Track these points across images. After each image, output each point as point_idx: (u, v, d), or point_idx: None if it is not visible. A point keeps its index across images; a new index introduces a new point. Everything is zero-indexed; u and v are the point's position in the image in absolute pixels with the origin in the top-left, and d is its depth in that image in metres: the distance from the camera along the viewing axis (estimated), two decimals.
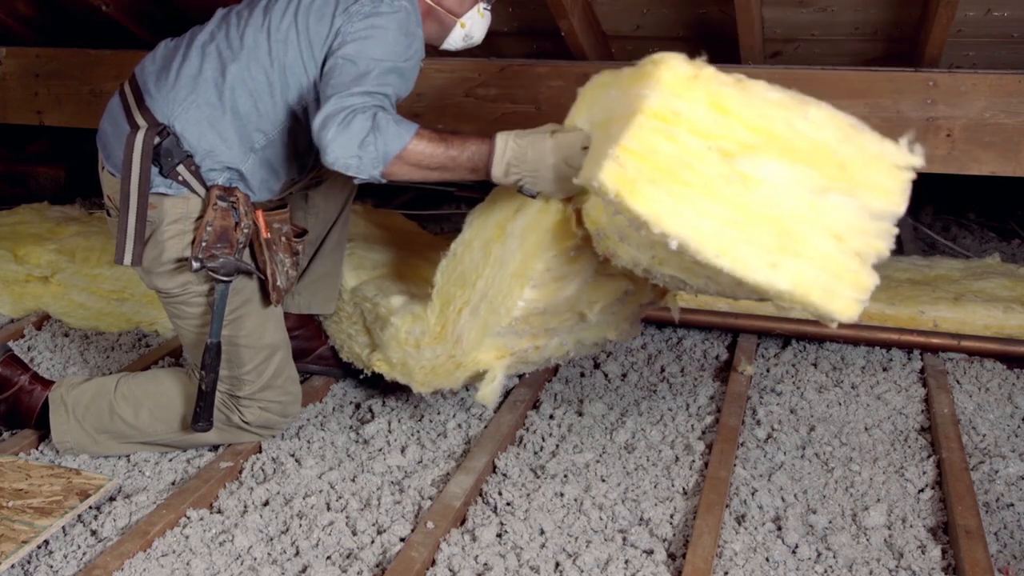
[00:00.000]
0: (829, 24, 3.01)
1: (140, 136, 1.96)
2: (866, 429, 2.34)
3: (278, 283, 2.07)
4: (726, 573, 1.80)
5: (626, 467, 2.17)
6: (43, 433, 2.22)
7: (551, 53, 3.23)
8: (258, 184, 2.06)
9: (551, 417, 2.41)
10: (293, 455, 2.19)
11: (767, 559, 1.84)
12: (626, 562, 1.82)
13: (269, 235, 2.04)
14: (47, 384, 2.20)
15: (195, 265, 1.95)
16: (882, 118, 2.98)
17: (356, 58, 1.91)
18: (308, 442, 2.25)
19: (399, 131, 1.83)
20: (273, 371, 2.13)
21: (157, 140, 1.96)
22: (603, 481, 2.10)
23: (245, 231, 2.00)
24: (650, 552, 1.86)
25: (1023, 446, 2.26)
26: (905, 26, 2.95)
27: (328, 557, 1.83)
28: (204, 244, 1.96)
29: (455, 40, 2.17)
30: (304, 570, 1.79)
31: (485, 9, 2.17)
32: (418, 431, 2.32)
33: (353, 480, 2.10)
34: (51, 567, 1.80)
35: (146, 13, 3.60)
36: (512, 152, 1.88)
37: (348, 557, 1.83)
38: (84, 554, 1.84)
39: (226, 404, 2.13)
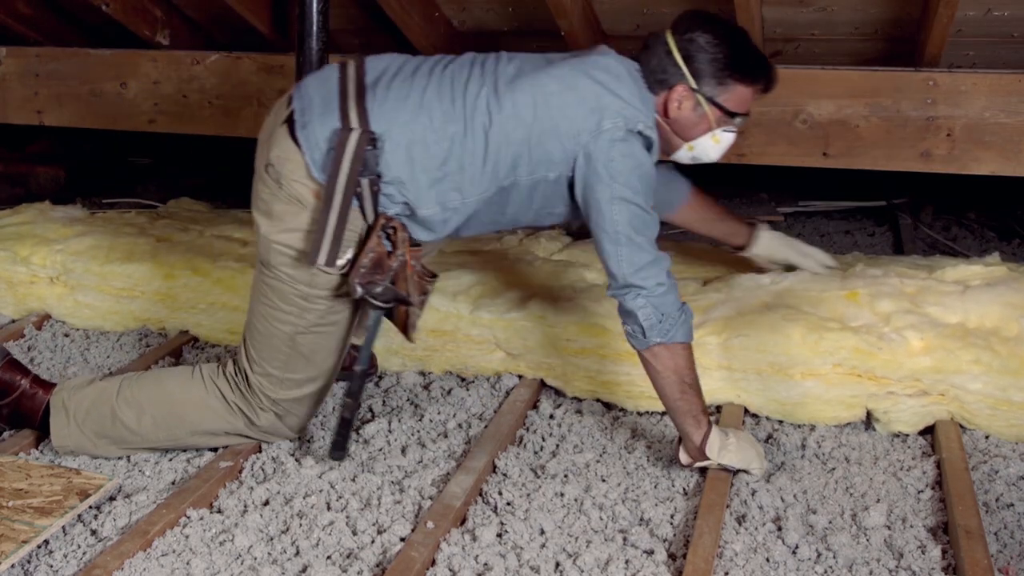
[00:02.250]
0: (829, 24, 3.01)
1: (354, 139, 1.94)
2: (866, 429, 2.34)
3: (416, 320, 2.07)
4: (726, 573, 1.80)
5: (626, 467, 2.16)
6: (44, 434, 2.21)
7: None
8: (422, 229, 2.05)
9: (551, 417, 2.41)
10: (293, 455, 2.19)
11: (767, 559, 1.84)
12: (626, 562, 1.82)
13: (412, 271, 2.04)
14: (49, 387, 2.20)
15: (358, 291, 1.95)
16: (882, 118, 2.98)
17: None
18: (308, 442, 2.25)
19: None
20: (312, 391, 2.14)
21: (366, 147, 1.94)
22: (603, 481, 2.10)
23: (400, 260, 2.00)
24: (650, 552, 1.86)
25: (1023, 446, 2.26)
26: (905, 26, 2.95)
27: (328, 557, 1.83)
28: (363, 271, 1.96)
29: (681, 156, 2.18)
30: (304, 570, 1.79)
31: (725, 132, 2.12)
32: (418, 431, 2.32)
33: (353, 480, 2.10)
34: (51, 567, 1.80)
35: (147, 13, 3.60)
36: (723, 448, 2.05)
37: (348, 557, 1.83)
38: (84, 554, 1.84)
39: (246, 400, 2.12)
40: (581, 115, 1.98)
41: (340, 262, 1.98)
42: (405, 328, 2.07)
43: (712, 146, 2.15)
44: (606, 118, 1.98)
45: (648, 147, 2.04)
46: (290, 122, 2.01)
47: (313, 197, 1.99)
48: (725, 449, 2.04)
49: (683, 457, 2.09)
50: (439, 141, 1.97)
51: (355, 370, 2.04)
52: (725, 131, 2.12)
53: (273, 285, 2.04)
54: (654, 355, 2.01)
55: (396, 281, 2.01)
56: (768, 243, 2.61)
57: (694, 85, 2.05)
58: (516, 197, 2.06)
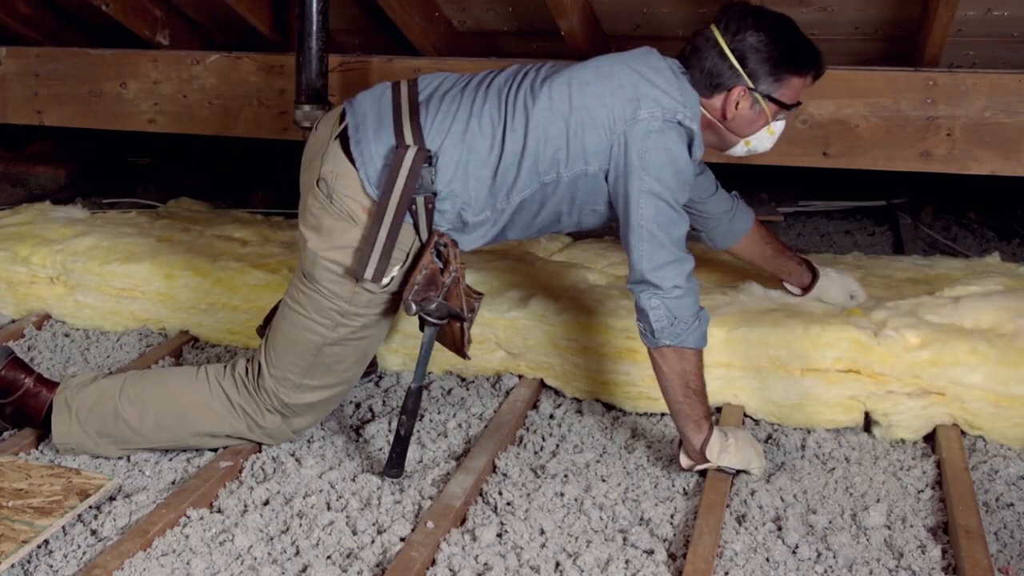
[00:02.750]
0: (829, 24, 3.01)
1: (410, 156, 1.94)
2: (866, 429, 2.34)
3: (468, 335, 2.07)
4: (726, 573, 1.80)
5: (626, 467, 2.16)
6: (45, 433, 2.21)
7: (551, 53, 3.23)
8: (472, 239, 2.06)
9: (551, 417, 2.41)
10: (293, 455, 2.19)
11: (767, 559, 1.84)
12: (626, 562, 1.82)
13: (463, 286, 2.04)
14: (52, 386, 2.20)
15: (412, 308, 1.96)
16: (882, 118, 2.98)
17: None
18: (308, 442, 2.25)
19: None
20: (325, 398, 2.14)
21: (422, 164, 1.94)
22: (603, 481, 2.10)
23: (452, 276, 2.00)
24: (650, 552, 1.86)
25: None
26: (905, 26, 2.95)
27: (328, 557, 1.83)
28: (416, 288, 1.96)
29: (737, 151, 2.17)
30: (304, 570, 1.79)
31: (779, 121, 2.11)
32: (418, 431, 2.32)
33: (353, 480, 2.10)
34: (51, 567, 1.80)
35: (146, 13, 3.61)
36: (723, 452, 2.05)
37: (348, 557, 1.83)
38: (84, 554, 1.84)
39: (254, 401, 2.12)
40: (618, 103, 1.96)
41: (386, 280, 1.98)
42: (459, 345, 2.07)
43: (768, 137, 2.14)
44: (643, 107, 1.95)
45: (689, 140, 2.00)
46: (343, 138, 2.01)
47: (365, 214, 1.99)
48: (725, 451, 2.04)
49: (683, 460, 2.09)
50: (491, 148, 1.98)
51: (411, 387, 2.03)
52: (778, 120, 2.12)
53: (311, 296, 2.04)
54: (662, 355, 2.01)
55: (448, 297, 2.00)
56: (828, 288, 2.55)
57: (751, 85, 2.02)
58: (559, 194, 2.04)
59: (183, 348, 2.77)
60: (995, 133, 2.91)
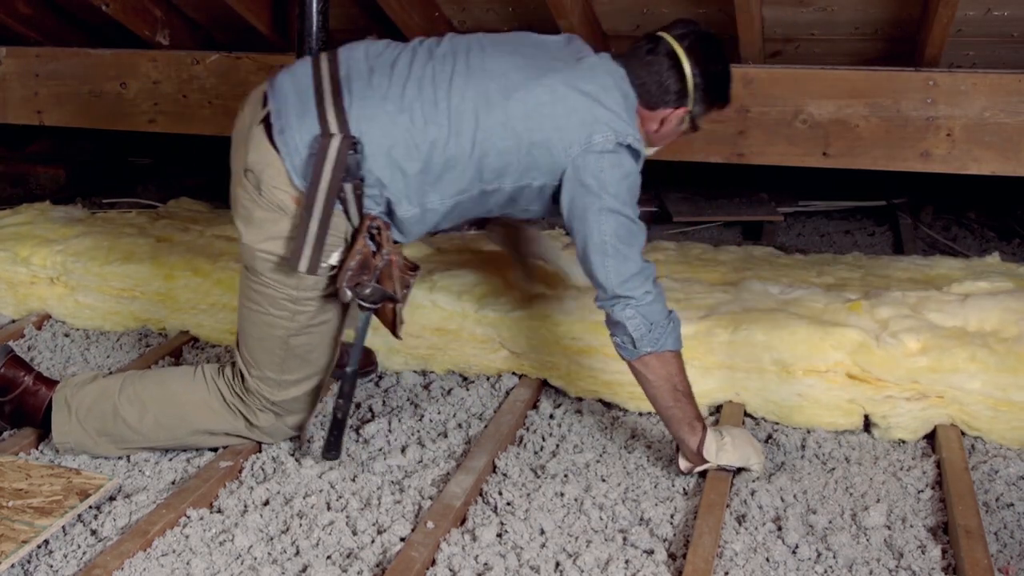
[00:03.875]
0: (829, 24, 3.01)
1: (335, 146, 1.92)
2: (865, 429, 2.34)
3: (402, 316, 2.07)
4: (726, 573, 1.80)
5: (626, 467, 2.16)
6: (44, 433, 2.21)
7: None
8: (402, 233, 2.06)
9: (551, 417, 2.41)
10: (293, 455, 2.19)
11: (767, 559, 1.84)
12: (626, 562, 1.82)
13: (396, 268, 2.04)
14: (51, 384, 2.20)
15: (348, 295, 1.96)
16: (882, 118, 2.99)
17: None
18: (308, 442, 2.25)
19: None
20: (309, 389, 2.14)
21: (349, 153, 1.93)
22: (603, 481, 2.10)
23: (385, 258, 2.00)
24: (650, 552, 1.86)
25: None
26: (905, 26, 2.95)
27: (328, 557, 1.83)
28: (350, 273, 1.96)
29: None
30: (304, 570, 1.79)
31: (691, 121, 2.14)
32: (418, 431, 2.32)
33: (353, 480, 2.10)
34: (51, 567, 1.80)
35: (147, 13, 3.60)
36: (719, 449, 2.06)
37: (348, 557, 1.83)
38: (84, 554, 1.84)
39: (244, 403, 2.12)
40: (573, 126, 1.98)
41: (325, 265, 1.97)
42: (392, 325, 2.07)
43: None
44: (596, 131, 1.98)
45: (636, 158, 2.04)
46: (266, 123, 1.99)
47: (294, 204, 1.97)
48: (722, 450, 2.05)
49: (682, 464, 2.09)
50: (420, 144, 1.96)
51: (346, 371, 2.04)
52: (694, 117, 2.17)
53: (261, 291, 2.04)
54: (645, 364, 2.02)
55: (382, 279, 2.01)
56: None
57: (690, 109, 2.08)
58: (497, 199, 2.07)
59: (183, 348, 2.77)
60: (995, 133, 2.91)
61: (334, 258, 1.98)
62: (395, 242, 2.06)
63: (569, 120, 1.98)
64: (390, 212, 2.02)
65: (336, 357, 2.17)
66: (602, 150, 1.97)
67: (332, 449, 2.08)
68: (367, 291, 1.97)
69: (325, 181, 1.92)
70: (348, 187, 1.94)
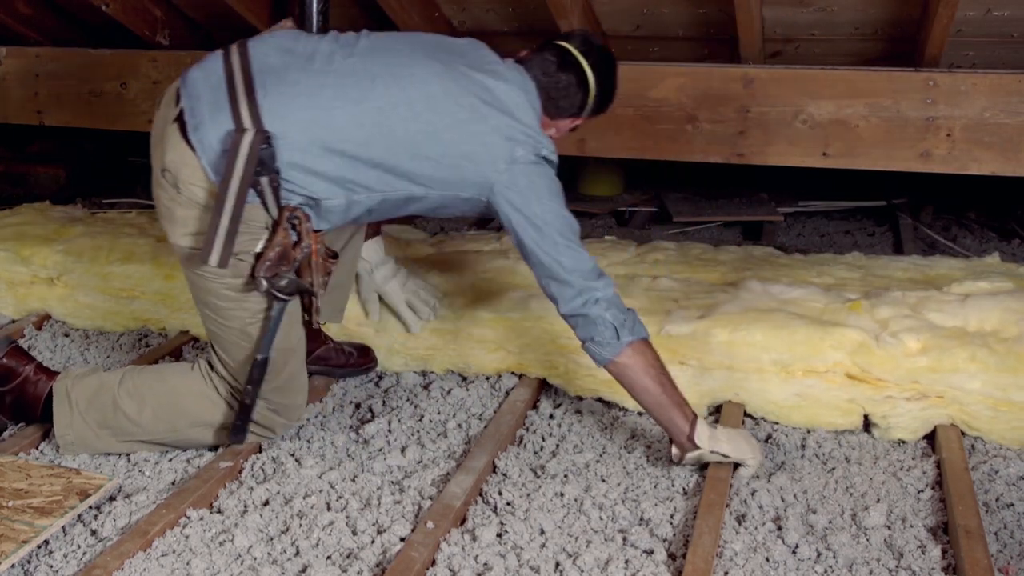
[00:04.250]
0: (829, 24, 3.02)
1: (247, 142, 1.91)
2: (865, 429, 2.34)
3: (318, 304, 2.09)
4: (726, 573, 1.80)
5: (626, 467, 2.17)
6: (44, 431, 2.22)
7: None
8: (325, 221, 2.06)
9: (551, 417, 2.41)
10: (293, 455, 2.19)
11: (767, 559, 1.84)
12: (626, 562, 1.82)
13: (317, 258, 2.04)
14: (52, 375, 2.20)
15: (263, 285, 1.97)
16: (882, 118, 2.99)
17: None
18: (308, 442, 2.25)
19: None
20: (288, 373, 2.13)
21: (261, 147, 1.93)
22: (603, 481, 2.10)
23: (305, 250, 2.00)
24: (650, 552, 1.86)
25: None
26: (905, 26, 2.95)
27: (328, 557, 1.83)
28: (268, 264, 1.97)
29: None
30: (304, 570, 1.80)
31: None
32: (418, 431, 2.32)
33: (353, 480, 2.10)
34: (51, 567, 1.80)
35: (147, 13, 3.61)
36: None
37: (348, 557, 1.84)
38: (84, 554, 1.84)
39: (237, 400, 2.13)
40: (497, 143, 2.02)
41: (248, 258, 1.99)
42: (309, 313, 2.10)
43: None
44: (519, 147, 2.03)
45: (552, 166, 2.10)
46: (180, 121, 1.98)
47: (213, 199, 1.97)
48: (715, 439, 2.06)
49: (674, 452, 2.10)
50: (343, 141, 1.97)
51: (256, 359, 2.04)
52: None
53: (205, 287, 2.05)
54: (626, 358, 2.04)
55: (301, 270, 2.02)
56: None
57: (583, 117, 2.21)
58: (426, 204, 2.10)
59: (183, 348, 2.78)
60: (995, 133, 2.91)
61: (259, 247, 2.00)
62: (317, 231, 2.06)
63: (493, 137, 2.03)
64: (316, 202, 2.02)
65: (304, 335, 2.16)
66: (526, 162, 2.03)
67: (238, 433, 2.11)
68: (283, 282, 1.99)
69: (237, 176, 1.92)
70: (265, 180, 1.95)
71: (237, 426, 2.11)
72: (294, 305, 2.08)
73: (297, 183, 1.98)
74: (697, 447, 2.05)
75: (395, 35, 2.15)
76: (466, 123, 2.02)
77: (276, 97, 1.96)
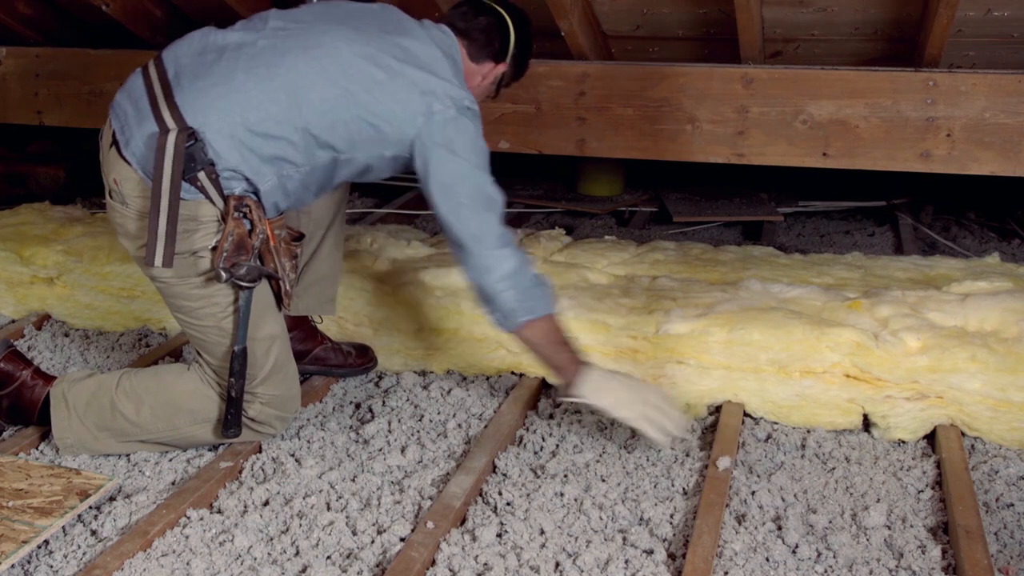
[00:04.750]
0: (829, 24, 3.02)
1: (172, 141, 1.94)
2: (865, 429, 2.34)
3: (287, 287, 2.09)
4: (726, 573, 1.80)
5: (626, 467, 2.17)
6: (44, 432, 2.22)
7: (551, 53, 3.24)
8: (270, 204, 2.06)
9: (551, 417, 2.41)
10: (293, 455, 2.19)
11: (767, 559, 1.84)
12: (626, 562, 1.82)
13: (275, 242, 2.05)
14: (49, 379, 2.20)
15: (223, 276, 1.97)
16: (882, 118, 2.99)
17: None
18: (308, 442, 2.25)
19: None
20: (273, 363, 2.13)
21: (186, 144, 1.94)
22: (603, 481, 2.10)
23: (260, 237, 2.01)
24: (650, 552, 1.86)
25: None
26: (905, 26, 2.95)
27: (328, 557, 1.83)
28: (225, 255, 1.97)
29: None
30: (304, 570, 1.80)
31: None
32: (418, 431, 2.32)
33: (353, 480, 2.10)
34: (51, 567, 1.80)
35: (146, 13, 3.60)
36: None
37: (348, 557, 1.84)
38: (84, 554, 1.84)
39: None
40: (414, 99, 2.03)
41: (204, 252, 2.00)
42: (279, 298, 2.11)
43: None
44: (436, 100, 2.04)
45: (476, 118, 2.11)
46: (115, 142, 2.04)
47: None
48: (598, 390, 2.12)
49: (555, 380, 2.18)
50: (262, 121, 1.99)
51: (234, 351, 2.05)
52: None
53: (173, 292, 2.06)
54: (525, 331, 2.09)
55: (263, 256, 2.04)
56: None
57: (505, 68, 2.26)
58: (352, 168, 2.11)
59: (183, 348, 2.77)
60: (995, 133, 2.92)
61: (213, 242, 2.01)
62: (274, 217, 2.07)
63: (409, 93, 2.04)
64: (256, 189, 2.04)
65: (283, 322, 2.17)
66: (444, 118, 2.04)
67: (231, 427, 2.11)
68: (242, 271, 2.00)
69: (167, 174, 1.94)
70: (202, 175, 1.96)
71: (227, 420, 2.11)
72: (263, 292, 2.09)
73: (232, 170, 1.99)
74: (573, 395, 2.13)
75: (304, 8, 2.18)
76: (383, 83, 2.04)
77: (192, 92, 2.00)
